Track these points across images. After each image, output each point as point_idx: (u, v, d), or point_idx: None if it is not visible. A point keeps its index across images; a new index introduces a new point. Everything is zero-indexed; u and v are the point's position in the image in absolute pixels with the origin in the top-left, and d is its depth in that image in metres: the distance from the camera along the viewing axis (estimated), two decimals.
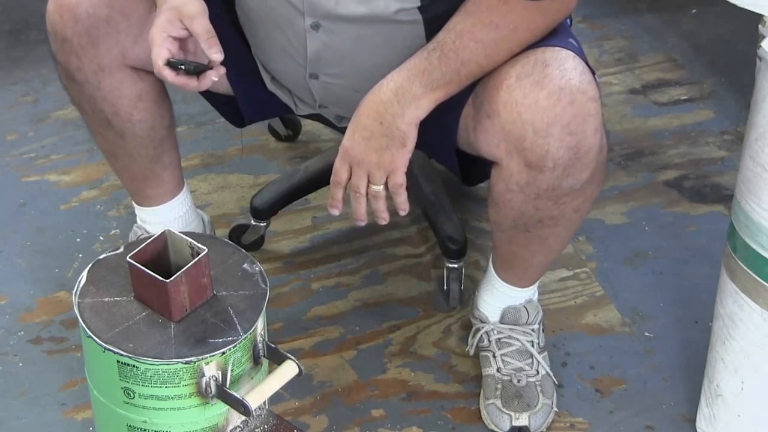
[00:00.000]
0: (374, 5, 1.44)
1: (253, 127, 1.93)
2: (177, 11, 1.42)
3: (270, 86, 1.68)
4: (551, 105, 1.39)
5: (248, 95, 1.68)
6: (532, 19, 1.41)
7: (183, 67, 1.43)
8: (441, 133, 1.53)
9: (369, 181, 1.47)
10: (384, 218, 1.51)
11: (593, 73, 1.44)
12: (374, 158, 1.45)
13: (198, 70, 1.43)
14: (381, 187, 1.47)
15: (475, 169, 1.61)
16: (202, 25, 1.42)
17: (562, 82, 1.39)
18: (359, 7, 1.44)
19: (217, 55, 1.43)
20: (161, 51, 1.42)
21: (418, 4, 1.44)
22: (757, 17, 1.40)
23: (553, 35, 1.44)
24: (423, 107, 1.42)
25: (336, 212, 1.52)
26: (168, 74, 1.43)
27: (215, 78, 1.44)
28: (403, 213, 1.50)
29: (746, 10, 1.40)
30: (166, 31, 1.42)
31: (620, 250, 2.02)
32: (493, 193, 1.53)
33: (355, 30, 1.48)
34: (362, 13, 1.45)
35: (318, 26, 1.49)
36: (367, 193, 1.48)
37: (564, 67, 1.40)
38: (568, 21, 1.56)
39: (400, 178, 1.46)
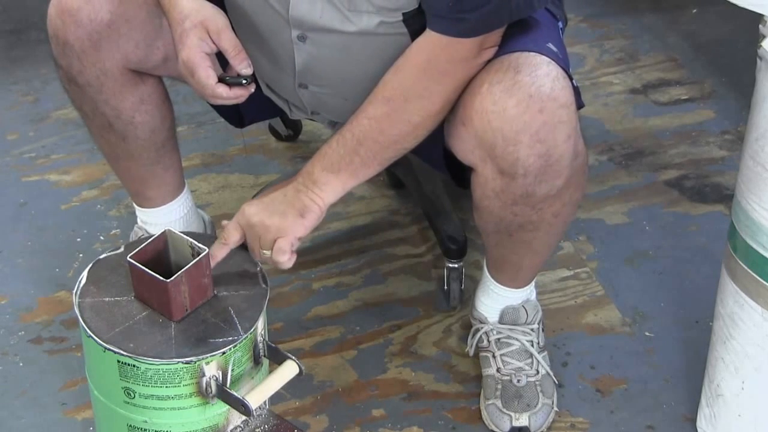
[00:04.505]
0: (356, 20, 1.43)
1: (253, 127, 1.93)
2: (203, 27, 1.42)
3: (265, 91, 1.68)
4: (520, 113, 1.37)
5: (248, 96, 1.68)
6: (425, 86, 1.40)
7: (229, 81, 1.44)
8: (428, 137, 1.52)
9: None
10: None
11: (571, 79, 1.43)
12: (267, 221, 1.43)
13: (239, 81, 1.45)
14: (269, 253, 1.44)
15: (468, 171, 1.61)
16: (229, 40, 1.43)
17: (531, 89, 1.37)
18: (343, 23, 1.44)
19: (246, 69, 1.44)
20: (209, 71, 1.43)
21: (401, 18, 1.43)
22: (757, 17, 1.40)
23: (531, 40, 1.42)
24: (329, 191, 1.44)
25: None
26: (223, 91, 1.44)
27: (253, 89, 1.46)
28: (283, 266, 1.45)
29: (746, 10, 1.39)
30: (203, 50, 1.43)
31: (621, 249, 2.02)
32: (473, 199, 1.53)
33: (341, 42, 1.47)
34: (345, 28, 1.44)
35: (304, 38, 1.48)
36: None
37: (536, 73, 1.38)
38: (560, 23, 1.55)
39: (285, 244, 1.43)
